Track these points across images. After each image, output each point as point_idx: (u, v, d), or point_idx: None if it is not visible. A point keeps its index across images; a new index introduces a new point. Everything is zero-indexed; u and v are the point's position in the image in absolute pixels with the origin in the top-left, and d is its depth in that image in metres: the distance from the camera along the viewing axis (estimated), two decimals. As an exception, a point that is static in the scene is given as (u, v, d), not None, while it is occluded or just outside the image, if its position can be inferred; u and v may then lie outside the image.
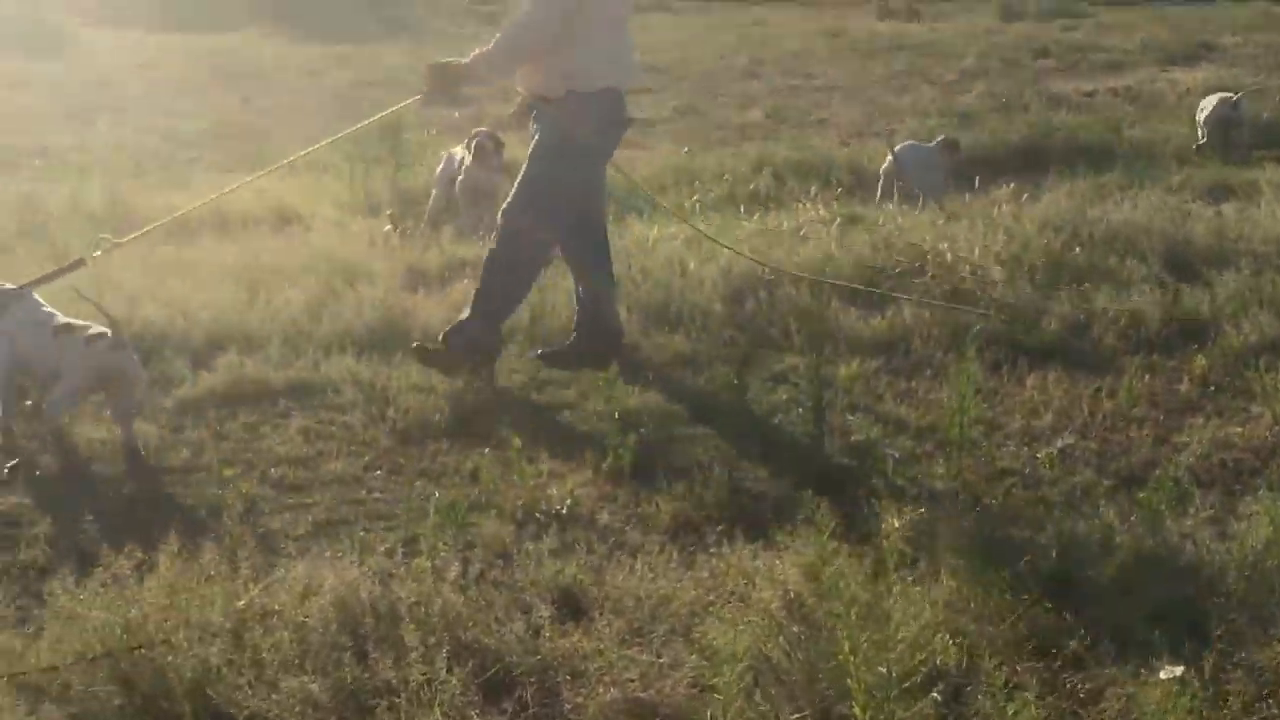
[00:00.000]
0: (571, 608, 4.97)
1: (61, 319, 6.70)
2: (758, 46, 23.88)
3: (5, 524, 6.00)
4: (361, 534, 5.68)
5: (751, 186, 12.27)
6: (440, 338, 7.55)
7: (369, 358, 7.75)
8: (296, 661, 4.52)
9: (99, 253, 7.30)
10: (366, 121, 8.77)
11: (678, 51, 22.53)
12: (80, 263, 7.24)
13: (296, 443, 6.81)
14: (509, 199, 7.63)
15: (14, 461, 6.47)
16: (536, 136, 7.65)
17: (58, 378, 6.59)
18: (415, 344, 7.59)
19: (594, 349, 7.74)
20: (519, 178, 7.64)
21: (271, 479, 6.39)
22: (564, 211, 7.62)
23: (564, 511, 5.87)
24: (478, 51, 7.60)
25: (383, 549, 5.44)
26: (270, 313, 8.36)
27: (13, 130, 16.21)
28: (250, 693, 4.39)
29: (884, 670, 3.77)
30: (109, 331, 6.50)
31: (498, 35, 7.54)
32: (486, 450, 6.58)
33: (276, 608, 4.83)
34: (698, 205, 11.12)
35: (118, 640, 4.61)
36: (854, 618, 3.82)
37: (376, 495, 6.23)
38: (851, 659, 3.77)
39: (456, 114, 16.60)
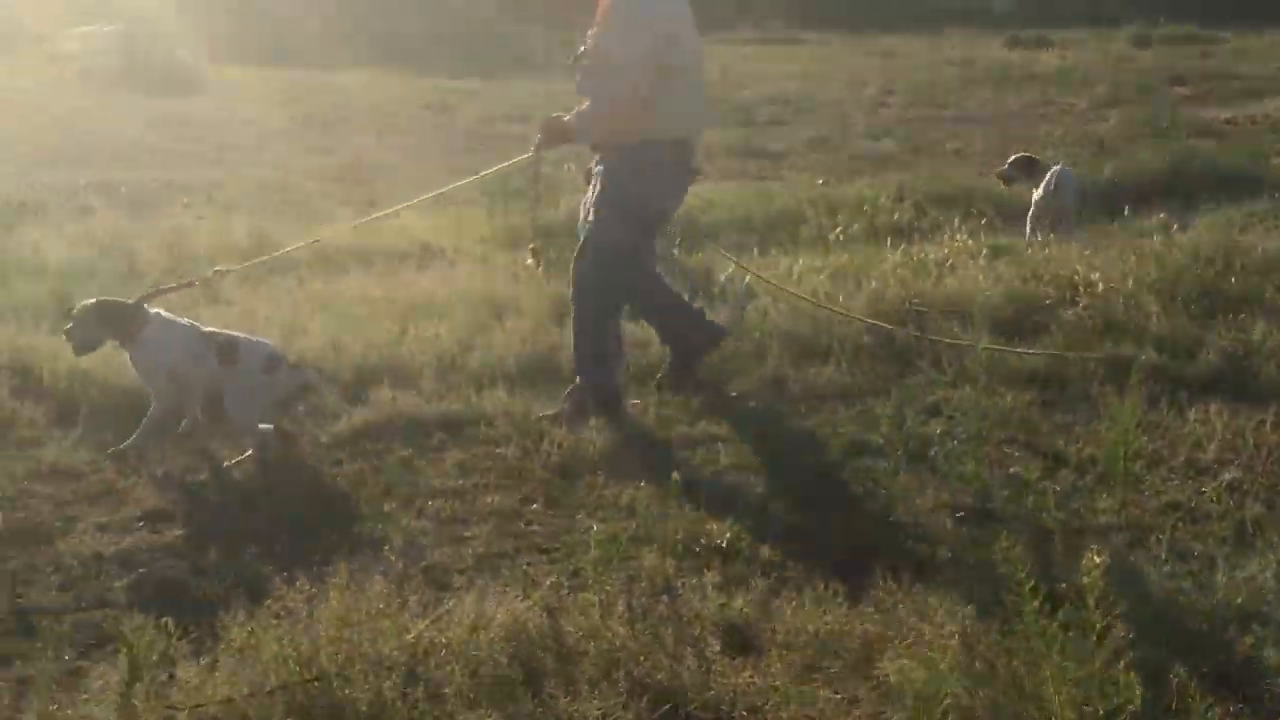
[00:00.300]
0: (739, 643, 4.93)
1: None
2: (887, 77, 23.81)
3: (173, 555, 6.08)
4: (525, 567, 5.68)
5: (895, 216, 12.18)
6: (563, 400, 7.61)
7: (520, 391, 7.79)
8: (470, 695, 4.52)
9: (213, 271, 7.50)
10: (487, 171, 8.81)
11: (807, 82, 22.58)
12: (191, 283, 7.72)
13: (453, 476, 6.84)
14: (579, 250, 7.62)
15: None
16: (604, 181, 7.57)
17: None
18: (547, 414, 7.56)
19: (691, 349, 7.92)
20: (589, 228, 7.61)
21: (429, 512, 6.42)
22: (639, 254, 7.67)
23: (724, 545, 5.84)
24: (579, 109, 7.57)
25: (548, 583, 5.43)
26: (420, 346, 8.43)
27: (157, 166, 16.54)
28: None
29: (1086, 706, 3.70)
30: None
31: (587, 85, 7.51)
32: (641, 483, 6.57)
33: (446, 641, 4.84)
34: (840, 237, 11.08)
35: (292, 673, 4.65)
36: (1051, 653, 3.76)
37: (535, 528, 6.24)
38: (1056, 695, 3.71)
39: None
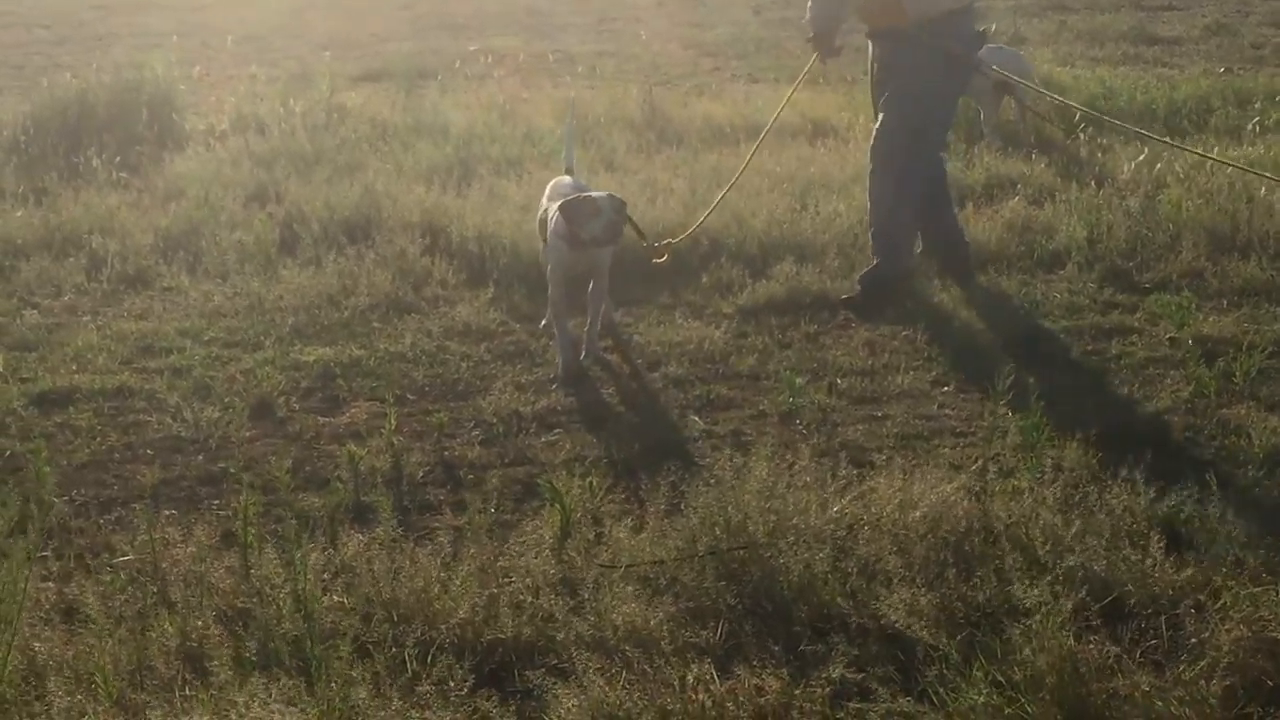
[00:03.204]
0: (1176, 540, 4.75)
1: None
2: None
3: (588, 418, 6.21)
4: (944, 450, 5.59)
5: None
6: (856, 283, 7.49)
7: (925, 273, 7.68)
8: (902, 573, 4.48)
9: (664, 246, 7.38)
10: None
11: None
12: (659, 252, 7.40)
13: (861, 355, 6.79)
14: (875, 138, 7.53)
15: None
16: (892, 74, 7.46)
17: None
18: (843, 297, 7.46)
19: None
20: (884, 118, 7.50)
21: (839, 389, 6.38)
22: (935, 138, 7.62)
23: (1151, 437, 5.64)
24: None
25: (973, 467, 5.33)
26: (821, 223, 8.36)
27: (537, 35, 16.79)
28: (854, 601, 4.38)
29: None
30: None
31: None
32: (1054, 372, 6.40)
33: (874, 517, 4.81)
34: (1257, 127, 10.57)
35: (719, 538, 4.68)
36: None
37: (948, 412, 6.14)
38: None
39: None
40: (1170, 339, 6.79)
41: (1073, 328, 7.03)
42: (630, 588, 4.47)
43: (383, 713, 3.81)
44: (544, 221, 6.89)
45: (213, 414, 6.21)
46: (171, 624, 4.32)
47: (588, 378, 6.65)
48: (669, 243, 7.33)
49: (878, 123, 7.58)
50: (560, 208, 6.59)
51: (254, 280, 7.96)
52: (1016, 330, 6.99)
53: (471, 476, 5.65)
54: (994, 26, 12.62)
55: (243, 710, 3.75)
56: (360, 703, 3.83)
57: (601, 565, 4.65)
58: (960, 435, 5.85)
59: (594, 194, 6.70)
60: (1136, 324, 7.06)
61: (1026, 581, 4.33)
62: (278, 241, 8.53)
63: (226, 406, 6.30)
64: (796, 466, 5.16)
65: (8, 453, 5.87)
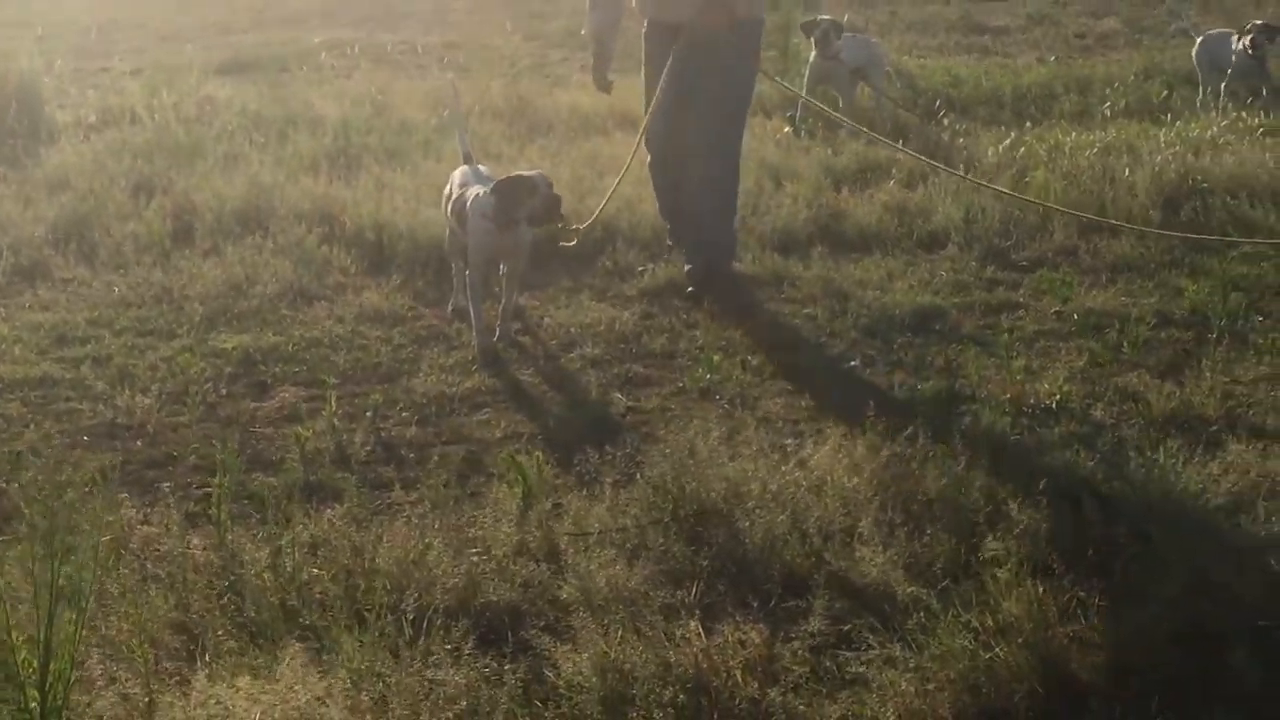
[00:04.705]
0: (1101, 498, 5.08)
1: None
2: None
3: (513, 398, 6.41)
4: (870, 419, 5.83)
5: (1166, 95, 12.05)
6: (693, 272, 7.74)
7: (818, 254, 8.01)
8: (861, 533, 4.77)
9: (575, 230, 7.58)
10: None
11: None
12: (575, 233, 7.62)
13: (766, 333, 7.07)
14: (699, 126, 7.62)
15: None
16: (712, 65, 7.53)
17: None
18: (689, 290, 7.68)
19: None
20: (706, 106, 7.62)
21: (751, 366, 6.64)
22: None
23: (1053, 406, 6.00)
24: None
25: (903, 435, 5.55)
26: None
27: (379, 27, 16.84)
28: (817, 560, 4.66)
29: None
30: None
31: None
32: (965, 345, 6.75)
33: (815, 482, 5.10)
34: (1108, 111, 11.09)
35: (680, 506, 4.95)
36: None
37: (860, 384, 6.44)
38: None
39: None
40: (1056, 313, 7.17)
41: (962, 304, 7.38)
42: (607, 552, 4.70)
43: (402, 674, 3.98)
44: (459, 208, 7.04)
45: (145, 401, 6.29)
46: (163, 599, 4.44)
47: (504, 360, 6.84)
48: (578, 228, 7.53)
49: (693, 112, 7.62)
50: (494, 188, 6.77)
51: (154, 270, 8.01)
52: (909, 307, 7.29)
53: (413, 455, 5.82)
54: (846, 17, 12.99)
55: (275, 675, 3.91)
56: (378, 665, 4.00)
57: (571, 533, 4.87)
58: (878, 406, 6.08)
59: (526, 173, 6.91)
60: (1021, 299, 7.43)
61: (978, 537, 4.65)
62: (170, 232, 8.58)
63: (155, 394, 6.38)
64: (737, 438, 5.44)
65: (-54, 443, 5.91)
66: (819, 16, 11.88)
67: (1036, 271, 7.78)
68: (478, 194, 6.90)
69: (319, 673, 3.96)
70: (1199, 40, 11.96)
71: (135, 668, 3.95)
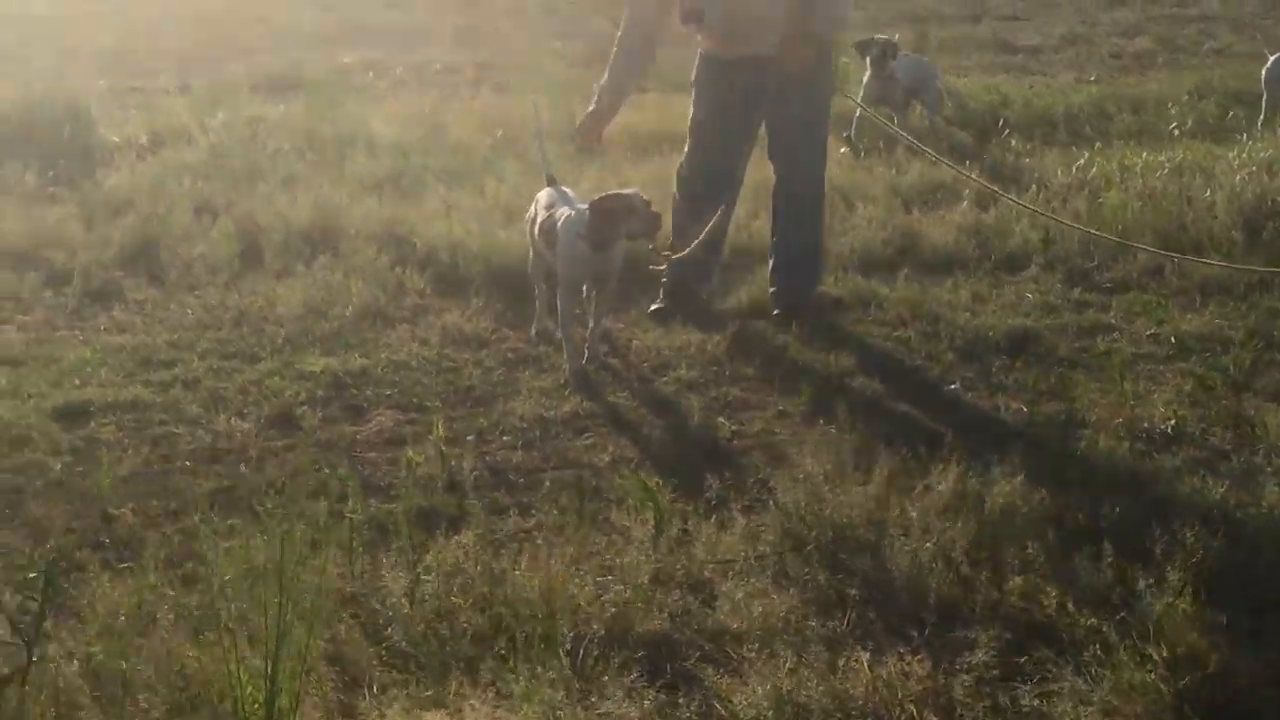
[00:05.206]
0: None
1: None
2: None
3: (612, 422, 6.32)
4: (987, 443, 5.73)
5: (1227, 115, 11.98)
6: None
7: (903, 276, 7.96)
8: (1010, 562, 4.68)
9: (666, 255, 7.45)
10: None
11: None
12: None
13: (859, 357, 6.95)
14: (809, 161, 7.58)
15: None
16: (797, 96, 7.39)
17: None
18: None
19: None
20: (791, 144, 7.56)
21: (852, 390, 6.54)
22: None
23: (1169, 431, 5.91)
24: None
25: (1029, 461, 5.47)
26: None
27: (400, 48, 16.77)
28: (969, 589, 4.56)
29: None
30: None
31: None
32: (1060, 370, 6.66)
33: (940, 507, 5.01)
34: (1176, 131, 11.04)
35: (817, 533, 4.86)
36: None
37: (963, 408, 6.35)
38: None
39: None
40: (1150, 335, 7.08)
41: (1054, 326, 7.28)
42: (755, 581, 4.61)
43: (576, 708, 3.88)
44: (548, 229, 6.95)
45: (243, 425, 6.19)
46: (308, 631, 4.33)
47: (596, 383, 6.74)
48: (668, 254, 7.41)
49: (803, 148, 7.55)
50: (591, 207, 6.69)
51: (228, 293, 7.93)
52: (1002, 330, 7.19)
53: (523, 481, 5.71)
54: (896, 36, 12.92)
55: (459, 710, 3.81)
56: (557, 700, 3.89)
57: (715, 562, 4.77)
58: (989, 430, 6.00)
59: (623, 190, 6.83)
60: (1113, 321, 7.34)
61: (1124, 567, 4.55)
62: (239, 253, 8.49)
63: (253, 417, 6.29)
64: (860, 462, 5.36)
65: (57, 467, 5.81)
66: (875, 36, 11.83)
67: (1123, 293, 7.71)
68: (569, 215, 6.83)
69: (494, 705, 3.85)
70: (1271, 59, 11.78)
71: (314, 700, 3.84)
